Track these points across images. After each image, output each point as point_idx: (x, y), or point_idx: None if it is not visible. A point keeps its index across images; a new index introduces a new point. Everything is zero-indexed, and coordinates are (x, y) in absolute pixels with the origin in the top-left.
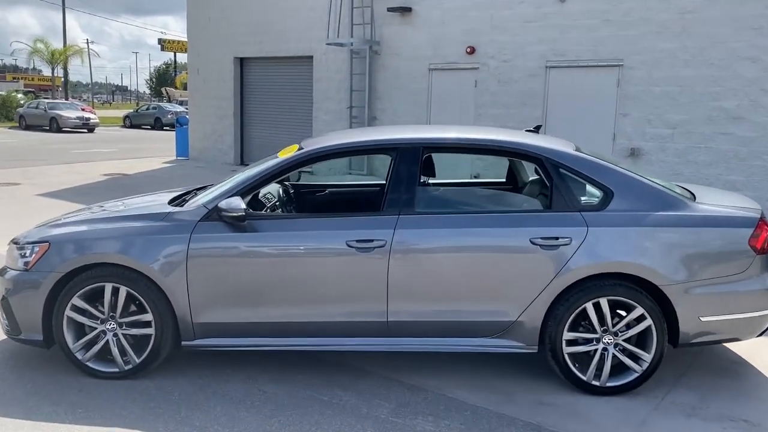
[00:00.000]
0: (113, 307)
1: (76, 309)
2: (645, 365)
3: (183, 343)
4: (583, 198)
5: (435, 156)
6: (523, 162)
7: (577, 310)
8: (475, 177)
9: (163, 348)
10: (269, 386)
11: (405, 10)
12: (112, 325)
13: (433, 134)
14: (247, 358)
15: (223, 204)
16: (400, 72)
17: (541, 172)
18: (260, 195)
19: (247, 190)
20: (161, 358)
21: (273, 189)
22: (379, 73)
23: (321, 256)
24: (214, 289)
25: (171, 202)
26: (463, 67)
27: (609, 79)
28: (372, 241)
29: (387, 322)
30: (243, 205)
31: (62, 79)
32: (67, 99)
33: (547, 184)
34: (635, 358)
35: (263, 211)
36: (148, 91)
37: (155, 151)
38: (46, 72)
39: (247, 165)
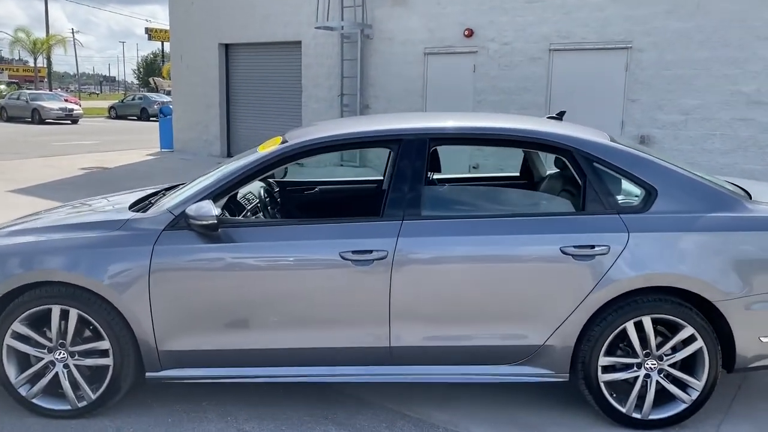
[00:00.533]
0: (63, 333)
1: (18, 336)
2: (695, 394)
3: (147, 374)
4: (620, 198)
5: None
6: (540, 153)
7: (616, 331)
8: (474, 168)
9: (123, 381)
10: (250, 425)
11: None
12: (62, 355)
13: (441, 123)
14: (225, 391)
15: (191, 210)
16: (393, 57)
17: (570, 167)
18: (238, 196)
19: (221, 192)
20: (122, 392)
21: (254, 188)
22: (372, 59)
23: (309, 270)
24: (183, 311)
25: (134, 205)
26: (461, 51)
27: (617, 63)
28: (371, 252)
29: (389, 348)
30: (215, 211)
31: (46, 70)
32: (51, 90)
33: (578, 180)
34: (683, 386)
35: (241, 216)
36: (135, 82)
37: (139, 142)
38: (32, 63)
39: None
